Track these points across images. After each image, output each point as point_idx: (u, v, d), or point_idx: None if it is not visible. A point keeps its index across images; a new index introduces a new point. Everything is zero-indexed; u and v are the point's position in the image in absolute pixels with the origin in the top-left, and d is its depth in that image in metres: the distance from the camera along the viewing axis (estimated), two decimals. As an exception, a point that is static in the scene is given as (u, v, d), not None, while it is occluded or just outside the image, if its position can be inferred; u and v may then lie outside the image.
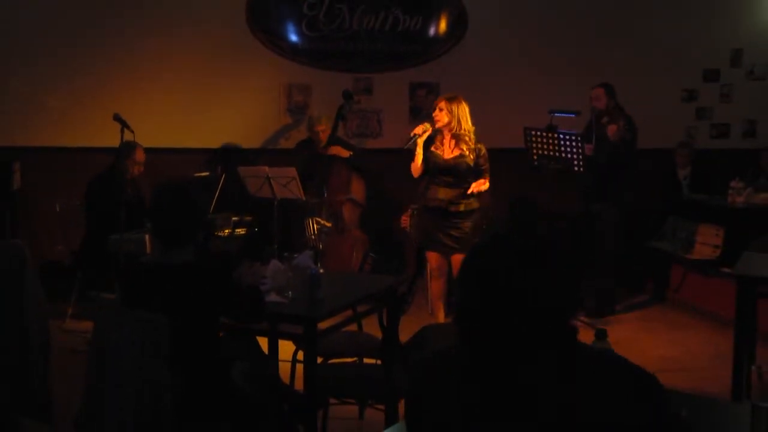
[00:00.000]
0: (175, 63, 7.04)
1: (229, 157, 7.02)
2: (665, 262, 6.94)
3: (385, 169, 6.93)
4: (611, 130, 6.04)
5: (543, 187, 6.30)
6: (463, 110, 5.17)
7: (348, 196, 6.64)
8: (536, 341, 1.56)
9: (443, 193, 5.23)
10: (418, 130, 5.22)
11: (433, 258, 5.43)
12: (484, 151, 5.23)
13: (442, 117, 5.15)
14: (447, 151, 5.23)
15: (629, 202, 6.38)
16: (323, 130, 6.59)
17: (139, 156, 6.10)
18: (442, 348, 1.75)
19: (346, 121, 6.81)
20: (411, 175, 5.40)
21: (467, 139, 5.17)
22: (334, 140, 6.58)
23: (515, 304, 1.56)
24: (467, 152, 5.17)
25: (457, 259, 5.29)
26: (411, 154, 5.27)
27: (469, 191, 5.15)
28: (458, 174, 5.19)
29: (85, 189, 6.16)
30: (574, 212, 6.52)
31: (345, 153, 6.60)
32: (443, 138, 5.24)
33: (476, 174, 5.22)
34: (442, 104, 5.17)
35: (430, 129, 5.21)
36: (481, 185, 5.17)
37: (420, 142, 5.22)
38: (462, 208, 5.23)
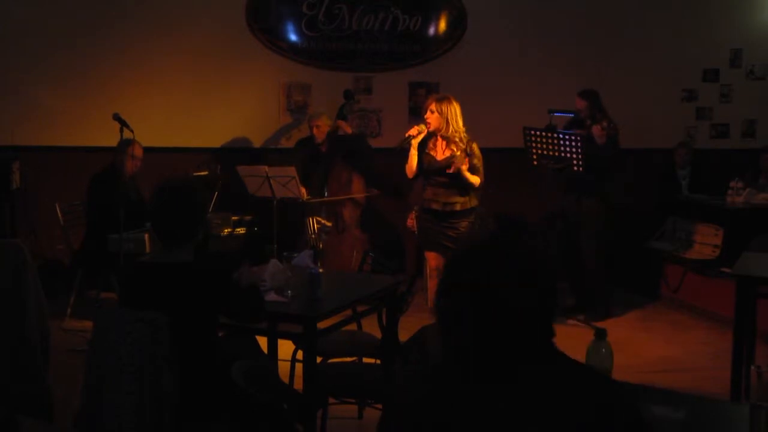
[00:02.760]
0: (174, 63, 7.04)
1: (228, 156, 7.02)
2: (664, 262, 6.94)
3: (385, 168, 6.93)
4: (596, 131, 6.02)
5: (542, 186, 6.31)
6: (453, 111, 5.14)
7: (348, 196, 6.65)
8: (518, 355, 1.61)
9: (437, 194, 5.23)
10: (413, 131, 5.22)
11: (432, 258, 5.42)
12: (477, 150, 5.20)
13: (433, 119, 5.15)
14: (440, 152, 5.22)
15: (616, 201, 6.37)
16: (322, 125, 6.59)
17: (136, 151, 6.03)
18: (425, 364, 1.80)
19: (347, 121, 6.81)
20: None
21: (457, 139, 5.15)
22: (333, 140, 6.60)
23: (498, 317, 1.60)
24: (458, 152, 5.15)
25: None
26: (406, 153, 5.26)
27: (451, 170, 5.10)
28: (451, 175, 5.18)
29: (85, 187, 6.15)
30: (559, 210, 6.49)
31: (349, 129, 6.65)
32: (436, 140, 5.23)
33: (470, 173, 5.19)
34: (433, 106, 5.16)
35: (425, 131, 5.20)
36: (466, 172, 5.14)
37: (415, 143, 5.21)
38: (458, 207, 5.22)
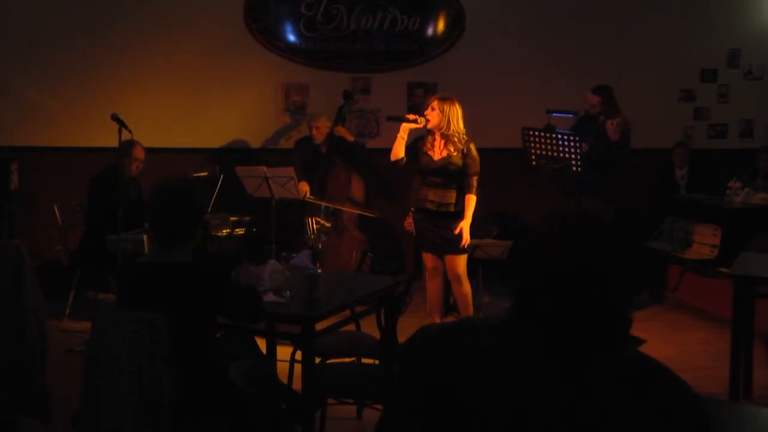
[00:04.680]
0: (172, 63, 7.04)
1: (227, 157, 7.02)
2: (663, 262, 6.95)
3: (384, 169, 6.93)
4: (610, 127, 6.01)
5: (540, 187, 6.31)
6: (455, 111, 5.13)
7: (348, 197, 6.65)
8: (606, 335, 1.56)
9: (433, 195, 5.23)
10: (411, 116, 5.21)
11: (428, 258, 5.42)
12: (474, 151, 5.20)
13: (433, 116, 5.14)
14: (437, 152, 5.22)
15: (621, 199, 6.36)
16: (321, 126, 6.60)
17: (138, 153, 6.06)
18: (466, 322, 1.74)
19: (346, 121, 6.82)
20: (410, 175, 5.41)
21: (455, 140, 5.14)
22: (333, 141, 6.59)
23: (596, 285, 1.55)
24: (455, 153, 5.15)
25: (450, 259, 5.28)
26: (395, 126, 5.25)
27: (456, 231, 5.16)
28: (447, 175, 5.19)
29: (84, 188, 6.15)
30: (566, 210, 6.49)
31: (350, 137, 6.67)
32: (434, 140, 5.22)
33: (465, 175, 5.19)
34: (435, 103, 5.15)
35: (422, 123, 5.19)
36: (467, 221, 5.19)
37: (406, 126, 5.19)
38: (452, 209, 5.22)
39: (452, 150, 5.15)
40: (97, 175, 6.12)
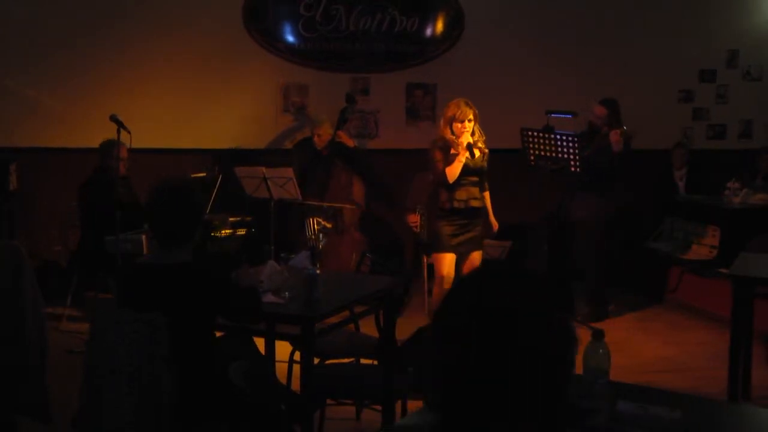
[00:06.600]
0: (172, 64, 7.04)
1: (226, 157, 7.02)
2: (662, 263, 6.95)
3: (383, 169, 6.94)
4: (614, 136, 6.00)
5: (539, 187, 6.32)
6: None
7: (349, 198, 6.65)
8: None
9: (473, 192, 5.33)
10: (471, 138, 5.24)
11: (447, 264, 5.37)
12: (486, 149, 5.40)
13: (471, 126, 5.22)
14: (462, 152, 5.27)
15: (620, 198, 6.37)
16: (323, 134, 6.61)
17: (122, 152, 6.02)
18: None
19: (346, 124, 6.82)
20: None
21: (481, 140, 5.29)
22: (334, 144, 6.60)
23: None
24: (486, 150, 5.34)
25: (477, 255, 5.39)
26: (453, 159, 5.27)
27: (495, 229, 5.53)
28: (481, 173, 5.36)
29: (76, 193, 6.13)
30: (561, 213, 6.49)
31: (350, 141, 6.69)
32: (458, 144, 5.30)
33: (485, 172, 5.41)
34: (471, 115, 5.20)
35: (471, 139, 5.25)
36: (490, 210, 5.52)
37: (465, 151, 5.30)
38: (480, 204, 5.41)
39: (483, 147, 5.31)
40: (83, 184, 6.09)
